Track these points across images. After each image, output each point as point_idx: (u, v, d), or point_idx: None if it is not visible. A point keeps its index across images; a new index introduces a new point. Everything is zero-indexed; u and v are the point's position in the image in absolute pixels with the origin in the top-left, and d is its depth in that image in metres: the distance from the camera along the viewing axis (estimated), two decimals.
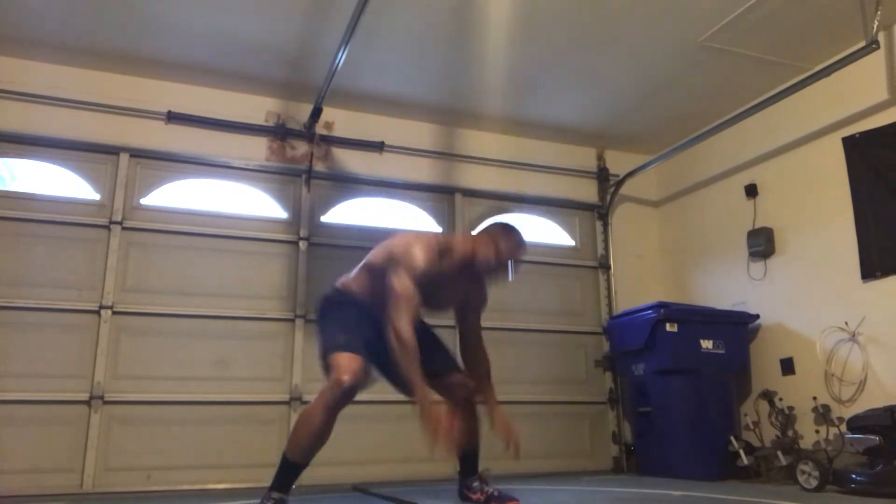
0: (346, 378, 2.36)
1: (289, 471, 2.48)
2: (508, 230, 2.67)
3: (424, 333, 2.65)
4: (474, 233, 2.79)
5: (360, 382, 2.41)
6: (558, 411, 4.71)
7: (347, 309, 2.64)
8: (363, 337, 2.53)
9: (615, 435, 4.82)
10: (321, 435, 2.43)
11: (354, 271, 2.75)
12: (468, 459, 2.79)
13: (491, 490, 2.76)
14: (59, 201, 3.93)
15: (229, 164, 4.31)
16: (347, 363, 2.41)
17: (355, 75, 4.16)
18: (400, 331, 2.39)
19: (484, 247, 2.60)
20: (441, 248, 2.58)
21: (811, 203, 4.06)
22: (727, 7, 3.54)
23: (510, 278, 2.66)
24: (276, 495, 2.45)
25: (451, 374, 2.70)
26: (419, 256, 2.50)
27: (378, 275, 2.58)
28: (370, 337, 2.53)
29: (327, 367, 2.48)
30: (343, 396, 2.38)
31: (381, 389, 2.69)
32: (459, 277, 2.64)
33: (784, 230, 4.24)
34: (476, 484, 2.77)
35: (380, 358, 2.54)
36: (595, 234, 5.21)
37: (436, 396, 2.55)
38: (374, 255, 2.68)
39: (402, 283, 2.45)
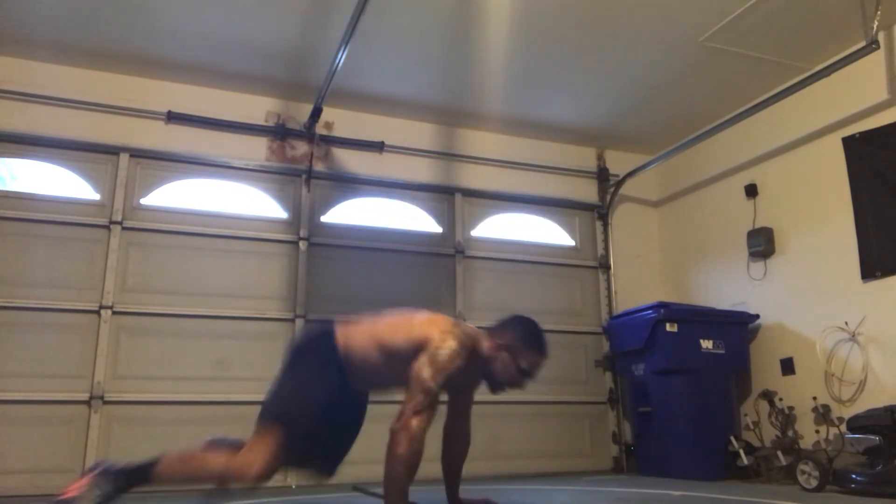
0: (255, 472, 2.23)
1: (143, 477, 2.29)
2: (533, 343, 2.39)
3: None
4: (497, 331, 2.45)
5: (264, 481, 2.30)
6: (558, 411, 4.71)
7: (331, 378, 2.33)
8: (321, 421, 2.33)
9: (615, 435, 4.82)
10: (190, 483, 2.35)
11: (362, 334, 2.38)
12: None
13: None
14: (59, 201, 3.93)
15: (229, 164, 4.31)
16: (270, 459, 2.25)
17: (355, 75, 4.16)
18: (414, 430, 2.18)
19: (502, 362, 2.37)
20: (470, 350, 2.32)
21: (811, 203, 4.06)
22: (727, 7, 3.54)
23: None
24: (107, 487, 2.24)
25: None
26: (457, 359, 2.23)
27: (394, 357, 2.30)
28: (337, 419, 2.38)
29: (257, 431, 2.31)
30: (242, 483, 2.30)
31: None
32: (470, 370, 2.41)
33: (784, 230, 4.23)
34: None
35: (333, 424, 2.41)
36: (595, 234, 5.21)
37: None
38: (395, 332, 2.35)
39: (435, 382, 2.19)
